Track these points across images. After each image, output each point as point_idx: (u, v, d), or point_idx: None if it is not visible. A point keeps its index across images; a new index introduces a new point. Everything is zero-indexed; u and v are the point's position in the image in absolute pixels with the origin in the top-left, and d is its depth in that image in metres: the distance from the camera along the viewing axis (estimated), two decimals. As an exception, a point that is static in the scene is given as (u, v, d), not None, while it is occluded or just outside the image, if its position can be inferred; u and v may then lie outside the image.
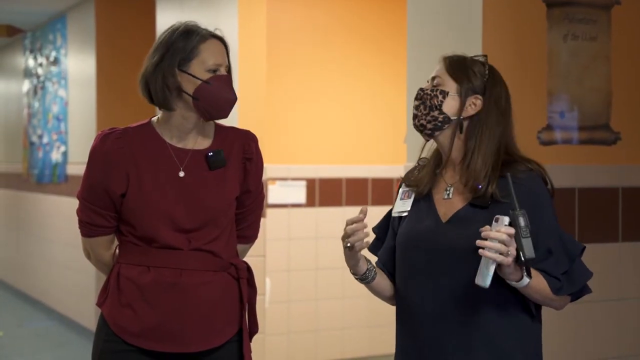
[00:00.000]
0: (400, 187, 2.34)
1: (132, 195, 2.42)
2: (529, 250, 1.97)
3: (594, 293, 3.19)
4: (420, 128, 2.23)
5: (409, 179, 2.31)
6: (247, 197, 2.55)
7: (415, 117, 2.24)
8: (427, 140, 2.28)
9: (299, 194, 6.01)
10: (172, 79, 2.42)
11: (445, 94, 2.20)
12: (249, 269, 2.56)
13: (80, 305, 7.54)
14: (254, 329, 2.57)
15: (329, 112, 6.16)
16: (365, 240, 2.14)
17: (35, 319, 8.47)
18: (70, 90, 7.96)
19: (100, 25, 7.29)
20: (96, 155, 2.46)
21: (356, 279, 2.26)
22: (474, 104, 2.19)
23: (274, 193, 5.89)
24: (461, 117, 2.19)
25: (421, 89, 2.24)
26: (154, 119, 2.53)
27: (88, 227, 2.51)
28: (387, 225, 2.37)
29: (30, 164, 9.35)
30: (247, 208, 2.57)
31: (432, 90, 2.21)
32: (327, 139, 6.13)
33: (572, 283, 2.14)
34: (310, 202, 6.05)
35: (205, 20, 5.46)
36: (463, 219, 2.15)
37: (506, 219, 1.98)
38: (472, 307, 2.11)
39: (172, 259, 2.41)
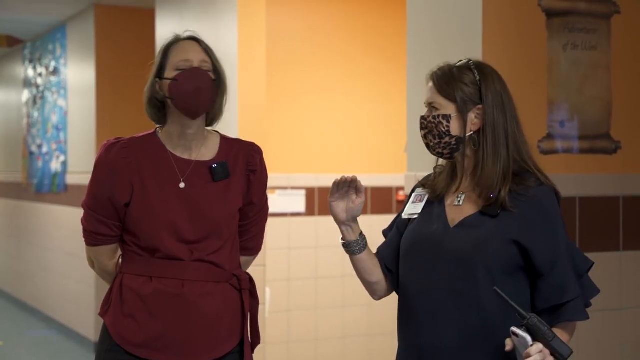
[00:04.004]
0: (413, 191, 2.35)
1: (135, 205, 2.43)
2: (563, 349, 1.97)
3: (595, 303, 3.18)
4: (439, 155, 2.24)
5: (425, 183, 2.32)
6: (250, 209, 2.55)
7: (428, 147, 2.24)
8: (450, 161, 2.28)
9: (298, 203, 6.01)
10: (156, 91, 2.48)
11: (448, 118, 2.18)
12: (251, 280, 2.56)
13: (79, 315, 7.53)
14: (255, 340, 2.56)
15: (328, 121, 6.16)
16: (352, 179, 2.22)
17: (34, 328, 8.46)
18: (70, 100, 7.96)
19: (100, 35, 7.30)
20: (101, 164, 2.48)
21: (343, 245, 2.29)
22: (478, 115, 2.18)
23: (274, 202, 5.89)
24: (471, 133, 2.18)
25: (423, 118, 2.23)
26: (159, 129, 2.55)
27: (92, 236, 2.51)
28: (393, 227, 2.39)
29: (29, 174, 9.35)
30: (250, 220, 2.57)
31: (434, 118, 2.19)
32: (326, 148, 6.13)
33: (585, 299, 2.18)
34: (310, 211, 6.04)
35: (205, 28, 5.47)
36: (470, 225, 2.15)
37: (528, 338, 1.96)
38: (473, 311, 2.12)
39: (174, 269, 2.41)
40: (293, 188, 6.00)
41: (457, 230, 2.17)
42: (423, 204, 2.28)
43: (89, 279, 7.02)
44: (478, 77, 2.18)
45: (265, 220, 2.66)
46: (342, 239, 2.30)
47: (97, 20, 7.30)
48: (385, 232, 2.40)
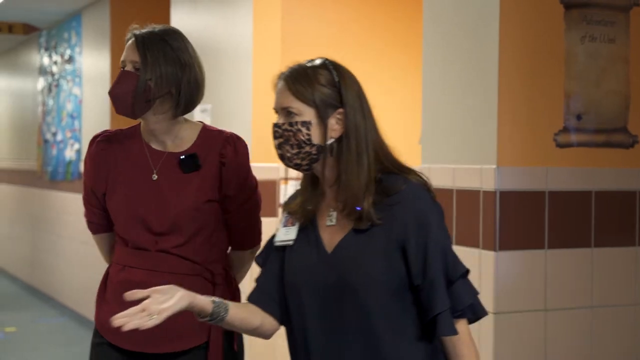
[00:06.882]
0: (283, 211, 2.10)
1: (109, 196, 2.50)
2: None
3: (609, 298, 3.16)
4: (296, 167, 1.98)
5: (289, 206, 2.06)
6: (228, 202, 2.48)
7: (283, 157, 1.97)
8: (306, 173, 2.03)
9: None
10: None
11: (308, 125, 1.94)
12: (227, 276, 2.51)
13: (92, 302, 7.55)
14: (231, 342, 2.50)
15: (343, 112, 6.13)
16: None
17: (48, 315, 8.50)
18: (85, 88, 7.97)
19: (115, 23, 7.30)
20: (86, 157, 2.58)
21: (207, 321, 1.96)
22: (339, 120, 1.96)
23: (287, 193, 5.88)
24: (332, 140, 1.96)
25: (277, 125, 1.96)
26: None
27: (91, 224, 2.63)
28: (269, 253, 2.11)
29: (44, 161, 9.38)
30: (232, 214, 2.51)
31: (291, 125, 1.94)
32: (341, 139, 6.10)
33: (455, 304, 1.94)
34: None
35: (219, 17, 5.45)
36: (346, 247, 1.94)
37: None
38: (371, 342, 1.92)
39: (142, 259, 2.46)
40: (306, 179, 5.98)
41: (335, 256, 1.95)
42: (296, 228, 2.02)
43: (101, 266, 7.04)
44: (337, 78, 1.96)
45: (255, 215, 2.56)
46: (201, 317, 1.95)
47: (112, 8, 7.31)
48: (258, 260, 2.13)
